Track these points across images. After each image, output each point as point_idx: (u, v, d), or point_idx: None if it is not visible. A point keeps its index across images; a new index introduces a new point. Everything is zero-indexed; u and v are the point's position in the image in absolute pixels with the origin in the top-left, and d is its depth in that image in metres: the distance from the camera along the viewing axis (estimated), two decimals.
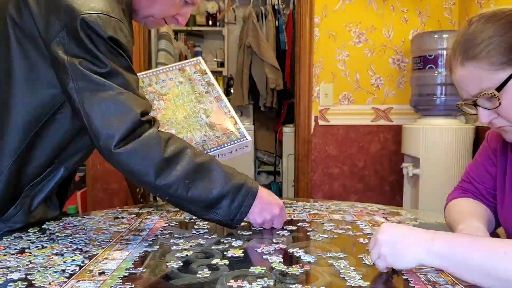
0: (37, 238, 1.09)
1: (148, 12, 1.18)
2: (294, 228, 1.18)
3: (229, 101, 4.57)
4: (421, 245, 0.77)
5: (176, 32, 4.53)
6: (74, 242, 1.05)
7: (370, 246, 0.85)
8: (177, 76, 1.34)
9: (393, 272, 0.83)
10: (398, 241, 0.79)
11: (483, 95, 0.88)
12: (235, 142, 1.26)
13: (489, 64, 0.86)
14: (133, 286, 0.79)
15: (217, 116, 1.28)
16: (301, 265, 0.89)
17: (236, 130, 1.28)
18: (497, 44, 0.86)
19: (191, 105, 1.28)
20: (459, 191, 1.14)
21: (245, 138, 1.27)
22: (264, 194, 1.12)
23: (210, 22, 4.68)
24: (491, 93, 0.87)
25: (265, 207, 1.11)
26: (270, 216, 1.12)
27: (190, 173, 1.02)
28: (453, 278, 0.81)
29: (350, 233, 1.12)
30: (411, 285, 0.79)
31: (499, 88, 0.86)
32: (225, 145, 1.24)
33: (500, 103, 0.87)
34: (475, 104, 0.91)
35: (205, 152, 1.18)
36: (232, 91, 4.50)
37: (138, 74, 1.20)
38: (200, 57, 1.43)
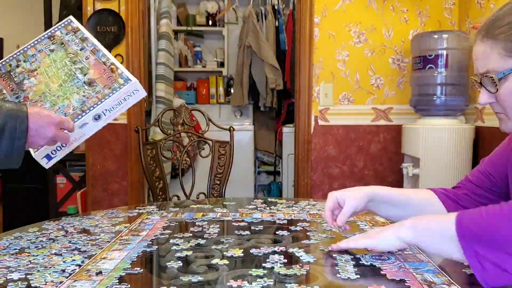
0: (37, 238, 1.09)
1: None
2: (294, 228, 1.18)
3: (229, 101, 4.53)
4: (395, 225, 0.91)
5: (176, 32, 4.53)
6: (73, 242, 1.06)
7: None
8: (47, 45, 1.24)
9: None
10: (377, 229, 0.95)
11: (485, 76, 0.88)
12: (117, 89, 1.14)
13: (503, 48, 0.86)
14: (129, 286, 0.79)
15: (96, 70, 1.17)
16: (301, 265, 0.89)
17: (118, 76, 1.16)
18: None
19: (65, 70, 1.18)
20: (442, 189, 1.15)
21: (128, 81, 1.15)
22: (35, 119, 1.01)
23: (210, 22, 4.68)
24: (491, 77, 0.87)
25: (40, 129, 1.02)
26: (51, 135, 1.03)
27: None
28: (449, 278, 0.81)
29: (350, 234, 1.12)
30: (407, 284, 0.80)
31: (502, 74, 0.86)
32: (106, 97, 1.12)
33: (497, 90, 0.88)
34: (480, 83, 0.92)
35: (85, 113, 1.11)
36: (232, 91, 4.50)
37: (4, 59, 1.20)
38: (70, 16, 1.32)
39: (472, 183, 1.11)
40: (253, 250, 0.99)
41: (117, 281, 0.81)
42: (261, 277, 0.82)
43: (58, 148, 1.12)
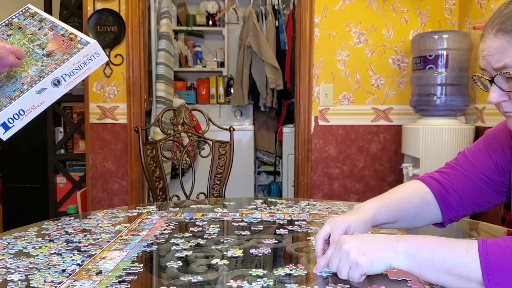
0: (37, 238, 1.09)
1: None
2: (294, 228, 1.18)
3: (229, 101, 4.52)
4: (388, 246, 0.78)
5: (176, 32, 4.53)
6: (73, 242, 1.05)
7: (332, 265, 0.82)
8: (4, 32, 1.25)
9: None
10: (364, 245, 0.80)
11: (503, 73, 0.83)
12: (76, 53, 1.13)
13: None
14: (129, 286, 0.79)
15: (55, 43, 1.17)
16: (300, 265, 0.89)
17: (77, 42, 1.15)
18: None
19: (24, 48, 1.18)
20: (428, 175, 1.10)
21: (87, 44, 1.14)
22: None
23: (210, 22, 4.68)
24: (508, 73, 0.82)
25: None
26: (9, 63, 1.09)
27: None
28: None
29: None
30: (408, 285, 0.79)
31: None
32: (65, 61, 1.11)
33: None
34: (491, 80, 0.87)
35: (43, 78, 1.10)
36: (232, 91, 4.50)
37: None
38: (28, 4, 1.34)
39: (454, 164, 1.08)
40: (253, 250, 0.98)
41: (117, 281, 0.80)
42: (261, 277, 0.82)
43: (16, 116, 1.09)
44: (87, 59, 1.13)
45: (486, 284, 0.71)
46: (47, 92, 1.10)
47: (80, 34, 1.17)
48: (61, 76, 1.11)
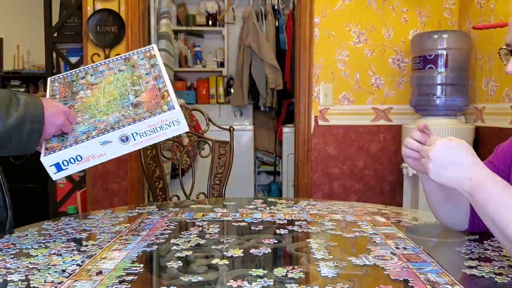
0: (36, 238, 1.09)
1: None
2: (294, 228, 1.18)
3: (229, 101, 4.52)
4: (459, 182, 0.88)
5: (176, 32, 4.53)
6: (73, 242, 1.05)
7: (422, 153, 0.95)
8: (119, 65, 1.21)
9: None
10: (447, 162, 0.89)
11: None
12: (156, 114, 1.03)
13: None
14: (129, 286, 0.79)
15: (149, 95, 1.09)
16: (301, 265, 0.89)
17: (165, 103, 1.05)
18: None
19: (123, 89, 1.12)
20: None
21: (171, 109, 1.03)
22: (48, 106, 1.07)
23: (210, 22, 4.68)
24: None
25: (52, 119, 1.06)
26: (60, 123, 1.07)
27: None
28: (453, 278, 0.81)
29: (351, 234, 1.12)
30: (410, 284, 0.79)
31: None
32: (142, 119, 1.02)
33: None
34: (511, 52, 0.92)
35: (113, 130, 1.03)
36: (232, 91, 4.50)
37: (78, 68, 1.24)
38: (154, 45, 1.28)
39: None
40: (253, 250, 0.98)
41: (117, 281, 0.80)
42: (261, 277, 0.82)
43: (72, 161, 1.03)
44: (165, 124, 1.03)
45: None
46: (112, 146, 1.03)
47: (172, 95, 1.07)
48: (132, 133, 1.02)
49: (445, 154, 0.90)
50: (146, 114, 1.03)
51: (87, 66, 1.26)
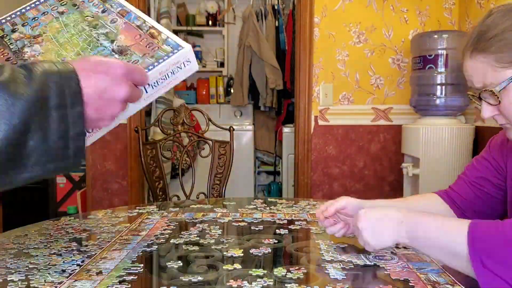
0: (37, 238, 1.09)
1: None
2: (294, 228, 1.18)
3: (229, 101, 4.50)
4: (394, 229, 0.87)
5: (176, 32, 4.52)
6: (73, 242, 1.05)
7: (355, 233, 0.94)
8: (54, 6, 0.96)
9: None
10: (376, 225, 0.89)
11: (484, 91, 0.87)
12: (165, 58, 0.84)
13: (496, 60, 0.84)
14: (129, 286, 0.79)
15: (129, 36, 0.88)
16: (301, 265, 0.89)
17: (162, 42, 0.87)
18: (509, 40, 0.83)
19: (84, 36, 0.90)
20: (443, 191, 1.16)
21: (179, 48, 0.85)
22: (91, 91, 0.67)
23: (210, 22, 4.68)
24: (491, 91, 0.86)
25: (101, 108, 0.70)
26: (123, 94, 0.72)
27: None
28: (453, 278, 0.81)
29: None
30: (411, 284, 0.79)
31: (502, 87, 0.85)
32: (150, 67, 0.82)
33: (500, 102, 0.86)
34: (479, 97, 0.90)
35: None
36: (232, 91, 4.50)
37: None
38: None
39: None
40: (253, 250, 0.98)
41: (118, 281, 0.80)
42: (261, 277, 0.82)
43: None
44: (177, 67, 0.86)
45: (471, 261, 0.76)
46: None
47: (164, 31, 0.89)
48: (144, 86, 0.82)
49: (370, 216, 0.90)
50: (149, 60, 0.84)
51: (7, 15, 0.95)
